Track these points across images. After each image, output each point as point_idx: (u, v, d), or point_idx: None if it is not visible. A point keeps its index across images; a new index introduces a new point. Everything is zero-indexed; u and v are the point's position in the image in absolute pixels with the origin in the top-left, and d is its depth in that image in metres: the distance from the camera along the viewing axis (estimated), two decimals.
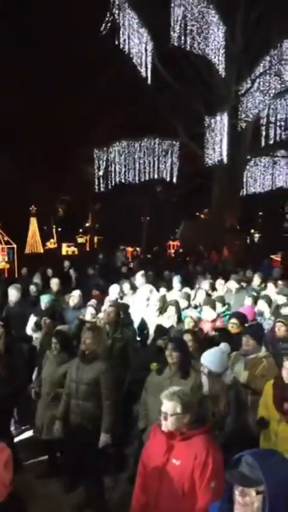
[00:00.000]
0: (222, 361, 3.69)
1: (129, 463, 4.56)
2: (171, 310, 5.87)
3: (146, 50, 15.24)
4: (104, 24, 14.89)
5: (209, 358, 3.63)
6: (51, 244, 27.86)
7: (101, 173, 17.88)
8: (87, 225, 29.82)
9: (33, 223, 23.80)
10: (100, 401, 4.02)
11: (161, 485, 2.51)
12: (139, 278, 7.96)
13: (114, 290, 7.29)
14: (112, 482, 4.43)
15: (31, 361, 5.48)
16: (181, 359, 3.83)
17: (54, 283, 7.70)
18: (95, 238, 29.02)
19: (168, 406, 2.54)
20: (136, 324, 5.80)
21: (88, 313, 5.73)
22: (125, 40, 15.09)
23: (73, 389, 4.14)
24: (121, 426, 4.65)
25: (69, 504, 4.11)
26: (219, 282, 8.22)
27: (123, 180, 17.88)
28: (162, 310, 6.10)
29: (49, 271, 10.27)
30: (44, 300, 6.30)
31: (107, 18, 14.84)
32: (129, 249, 20.39)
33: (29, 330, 5.98)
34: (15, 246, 15.34)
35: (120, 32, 14.98)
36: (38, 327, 5.71)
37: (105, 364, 4.15)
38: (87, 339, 4.23)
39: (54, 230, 30.00)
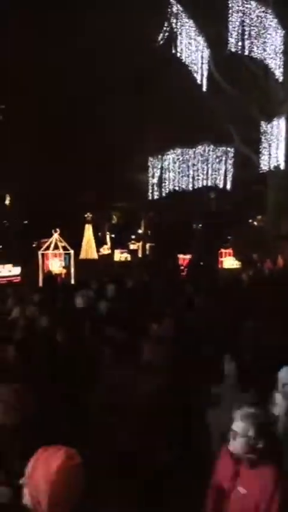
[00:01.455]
0: None
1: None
2: None
3: (202, 57, 15.29)
4: (161, 34, 15.13)
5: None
6: (104, 250, 28.44)
7: (155, 181, 18.05)
8: (140, 231, 30.16)
9: (88, 229, 24.45)
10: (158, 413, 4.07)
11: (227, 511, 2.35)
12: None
13: None
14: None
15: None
16: (239, 371, 3.80)
17: (110, 289, 7.88)
18: (147, 245, 29.24)
19: (240, 426, 2.35)
20: None
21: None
22: (181, 48, 15.24)
23: (132, 398, 4.22)
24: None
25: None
26: None
27: (176, 188, 17.94)
28: None
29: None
30: (101, 306, 6.47)
31: (164, 28, 15.07)
32: (181, 256, 20.34)
33: (86, 333, 6.14)
34: (71, 251, 15.81)
35: (178, 41, 15.13)
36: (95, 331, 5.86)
37: (163, 376, 4.20)
38: (147, 352, 4.33)
39: (108, 237, 30.61)
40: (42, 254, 15.53)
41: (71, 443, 2.09)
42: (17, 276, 15.64)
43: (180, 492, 4.43)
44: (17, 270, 15.91)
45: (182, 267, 17.14)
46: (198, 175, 17.38)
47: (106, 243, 30.24)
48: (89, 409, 4.41)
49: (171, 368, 4.70)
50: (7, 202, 28.57)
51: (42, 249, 15.93)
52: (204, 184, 17.74)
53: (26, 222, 27.66)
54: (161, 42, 15.73)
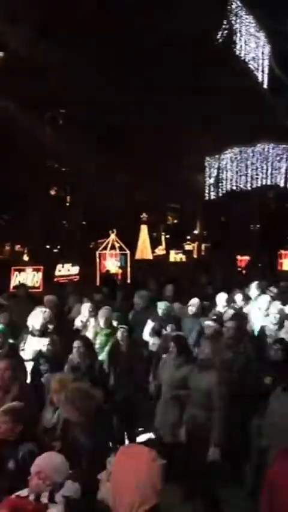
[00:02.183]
0: None
1: (247, 480, 4.43)
2: None
3: (262, 54, 14.88)
4: (220, 32, 14.90)
5: None
6: (159, 250, 28.61)
7: (211, 181, 17.80)
8: (196, 232, 29.96)
9: (144, 230, 24.69)
10: (212, 412, 4.01)
11: None
12: (254, 288, 7.69)
13: (221, 299, 7.07)
14: (229, 497, 4.32)
15: (147, 365, 5.67)
16: None
17: (168, 290, 7.85)
18: (203, 246, 28.98)
19: None
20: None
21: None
22: (241, 46, 14.92)
23: (189, 396, 4.20)
24: (238, 439, 4.56)
25: None
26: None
27: (234, 187, 17.58)
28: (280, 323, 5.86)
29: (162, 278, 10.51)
30: (161, 307, 6.46)
31: (223, 26, 14.83)
32: (239, 257, 19.95)
33: (146, 335, 6.17)
34: (128, 252, 16.06)
35: (237, 38, 14.83)
36: (155, 332, 5.88)
37: (219, 375, 4.13)
38: (205, 349, 4.28)
39: (163, 237, 30.76)
40: (99, 254, 15.88)
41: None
42: (76, 275, 16.11)
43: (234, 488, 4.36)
44: (75, 270, 16.39)
45: (240, 268, 16.79)
46: (257, 175, 16.90)
47: (161, 244, 30.37)
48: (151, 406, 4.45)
49: (233, 369, 4.61)
50: (67, 204, 29.51)
51: (99, 249, 16.29)
52: (264, 183, 17.22)
53: (83, 222, 28.41)
54: (220, 40, 15.49)
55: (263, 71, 14.99)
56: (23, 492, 2.42)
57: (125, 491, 1.57)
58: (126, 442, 4.92)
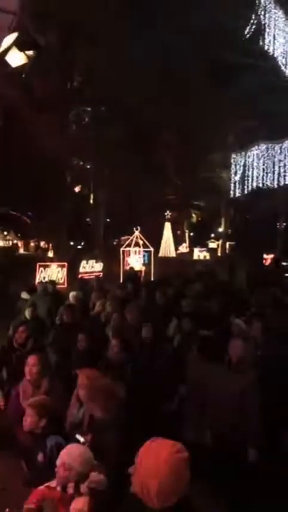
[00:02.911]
0: None
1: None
2: None
3: None
4: (248, 27, 14.69)
5: None
6: (183, 248, 28.47)
7: (237, 178, 17.60)
8: (220, 230, 29.66)
9: (168, 228, 24.61)
10: (247, 413, 3.94)
11: None
12: None
13: None
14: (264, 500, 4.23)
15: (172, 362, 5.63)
16: None
17: (194, 287, 7.80)
18: (227, 244, 28.65)
19: None
20: None
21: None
22: (269, 41, 14.68)
23: (220, 397, 4.12)
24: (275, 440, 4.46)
25: None
26: None
27: (260, 185, 17.33)
28: None
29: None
30: (184, 304, 6.43)
31: (252, 21, 14.62)
32: (265, 255, 19.63)
33: (170, 331, 6.14)
34: (152, 249, 16.07)
35: (266, 33, 14.60)
36: (179, 329, 5.84)
37: (253, 375, 4.05)
38: (237, 349, 4.19)
39: (187, 235, 30.59)
40: (123, 251, 15.94)
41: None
42: (100, 271, 16.21)
43: (265, 491, 4.26)
44: (99, 266, 16.50)
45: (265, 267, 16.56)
46: (284, 172, 16.61)
47: (185, 241, 30.21)
48: (175, 406, 4.41)
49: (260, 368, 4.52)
50: (91, 201, 29.70)
51: (123, 246, 16.35)
52: None
53: (107, 219, 28.54)
54: (248, 35, 15.27)
55: None
56: (53, 483, 2.47)
57: (149, 483, 1.57)
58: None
